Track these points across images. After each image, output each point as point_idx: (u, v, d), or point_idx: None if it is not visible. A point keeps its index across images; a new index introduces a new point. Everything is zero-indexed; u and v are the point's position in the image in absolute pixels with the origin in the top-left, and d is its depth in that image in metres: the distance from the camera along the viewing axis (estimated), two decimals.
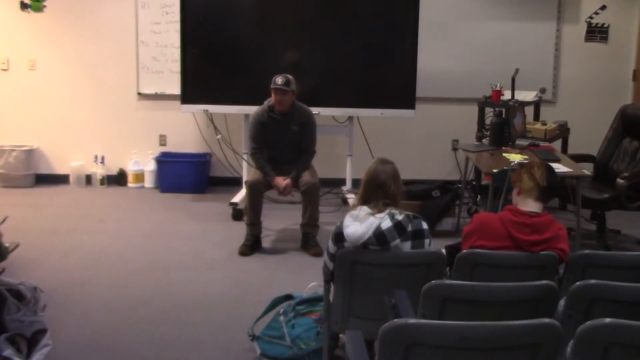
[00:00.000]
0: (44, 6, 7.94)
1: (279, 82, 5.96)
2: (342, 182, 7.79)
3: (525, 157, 5.72)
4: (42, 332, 3.94)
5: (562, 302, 2.96)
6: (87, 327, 4.50)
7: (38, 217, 6.95)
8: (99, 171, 8.21)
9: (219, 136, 7.85)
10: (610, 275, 2.98)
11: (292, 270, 5.63)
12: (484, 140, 6.55)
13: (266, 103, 6.14)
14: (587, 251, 3.45)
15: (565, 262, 3.43)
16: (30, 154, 8.15)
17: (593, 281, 2.87)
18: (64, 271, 5.49)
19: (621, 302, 2.82)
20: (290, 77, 6.03)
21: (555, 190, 3.80)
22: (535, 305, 2.90)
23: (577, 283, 2.88)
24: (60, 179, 8.27)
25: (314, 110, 6.46)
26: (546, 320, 2.40)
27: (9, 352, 3.62)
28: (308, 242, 6.04)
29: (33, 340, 3.87)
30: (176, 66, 7.54)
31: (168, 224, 6.84)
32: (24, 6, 7.92)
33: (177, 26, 7.39)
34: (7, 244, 5.18)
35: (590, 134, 7.26)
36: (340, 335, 3.96)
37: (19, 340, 3.78)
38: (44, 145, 8.29)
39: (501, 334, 2.36)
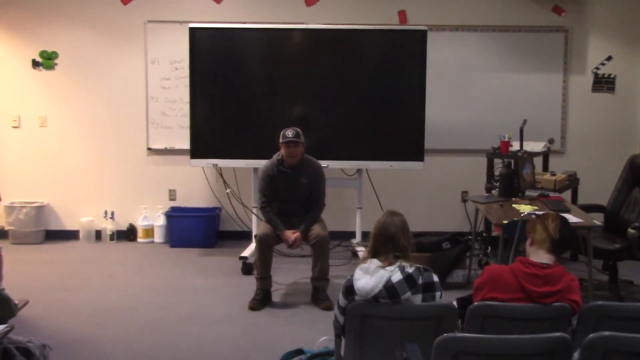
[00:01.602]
0: (55, 64, 8.06)
1: (290, 135, 5.99)
2: (351, 234, 7.78)
3: (535, 207, 5.71)
4: None
5: (576, 355, 2.93)
6: None
7: (48, 274, 6.94)
8: (108, 226, 8.22)
9: (228, 190, 7.88)
10: (624, 327, 2.95)
11: (302, 324, 5.59)
12: (494, 192, 6.54)
13: (275, 157, 6.16)
14: (600, 302, 3.42)
15: (578, 314, 3.40)
16: (40, 210, 8.17)
17: (607, 333, 2.84)
18: (73, 328, 5.45)
19: (636, 354, 2.78)
20: (299, 129, 6.07)
21: (568, 243, 3.77)
22: (549, 357, 2.87)
23: (591, 335, 2.85)
24: (70, 235, 8.28)
25: (323, 163, 6.48)
26: None
27: None
28: (318, 296, 6.01)
29: None
30: (185, 121, 7.61)
31: (178, 278, 6.82)
32: (35, 64, 8.05)
33: (186, 81, 7.48)
34: (16, 301, 5.17)
35: (600, 184, 7.25)
36: None
37: None
38: (54, 201, 8.32)
39: None
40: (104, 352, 5.00)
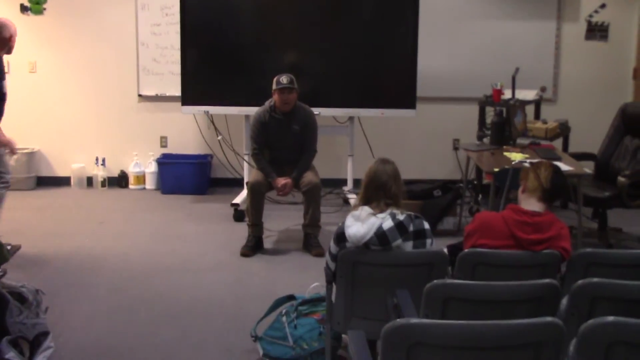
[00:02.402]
0: (44, 9, 7.97)
1: (285, 82, 5.95)
2: (343, 182, 7.79)
3: (527, 155, 5.71)
4: (44, 334, 3.94)
5: (564, 301, 2.95)
6: (90, 329, 4.50)
7: (39, 220, 6.96)
8: (100, 173, 8.21)
9: (219, 137, 7.86)
10: (612, 274, 2.98)
11: (294, 270, 5.63)
12: (485, 140, 6.55)
13: (267, 103, 6.13)
14: (589, 249, 3.44)
15: (567, 261, 3.43)
16: (31, 157, 8.15)
17: (595, 279, 2.87)
18: (66, 273, 5.48)
19: (624, 300, 2.81)
20: (292, 76, 6.03)
21: (559, 192, 3.77)
22: (538, 304, 2.90)
23: (580, 281, 2.87)
24: (61, 181, 8.27)
25: (315, 110, 6.46)
26: (549, 319, 2.40)
27: (11, 354, 3.62)
28: (310, 243, 6.04)
29: (35, 343, 3.86)
30: (176, 68, 7.53)
31: (169, 225, 6.84)
32: (23, 9, 7.95)
33: (177, 28, 7.38)
34: (8, 247, 5.19)
35: (591, 132, 7.26)
36: (343, 335, 3.97)
37: (22, 343, 3.78)
38: (45, 147, 8.29)
39: (504, 333, 2.36)
40: (97, 297, 5.03)
